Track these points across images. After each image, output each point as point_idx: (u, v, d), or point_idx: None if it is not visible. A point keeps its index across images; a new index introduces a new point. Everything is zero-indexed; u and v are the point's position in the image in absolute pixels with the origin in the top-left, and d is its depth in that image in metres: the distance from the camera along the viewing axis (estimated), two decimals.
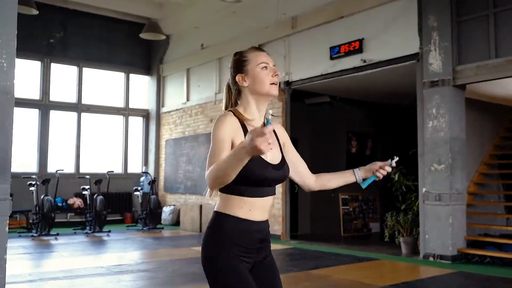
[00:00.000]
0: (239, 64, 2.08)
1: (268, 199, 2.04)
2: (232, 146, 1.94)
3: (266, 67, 2.05)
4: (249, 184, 1.95)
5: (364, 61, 7.91)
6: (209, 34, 11.29)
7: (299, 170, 2.23)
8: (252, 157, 1.73)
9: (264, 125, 1.57)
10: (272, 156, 2.04)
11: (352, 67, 8.14)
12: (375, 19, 7.87)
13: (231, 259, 1.94)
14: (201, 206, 10.70)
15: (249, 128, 2.00)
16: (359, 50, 7.98)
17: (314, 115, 10.80)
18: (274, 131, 2.14)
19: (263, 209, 2.02)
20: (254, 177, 1.94)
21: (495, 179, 8.20)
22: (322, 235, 10.04)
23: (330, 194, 10.71)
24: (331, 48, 8.42)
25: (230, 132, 1.93)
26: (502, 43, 6.36)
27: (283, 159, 2.10)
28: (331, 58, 8.42)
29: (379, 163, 2.27)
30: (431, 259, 6.81)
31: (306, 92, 9.83)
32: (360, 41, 7.98)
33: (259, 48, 2.11)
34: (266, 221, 2.07)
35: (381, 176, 2.26)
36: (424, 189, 6.99)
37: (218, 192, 2.01)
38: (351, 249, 8.27)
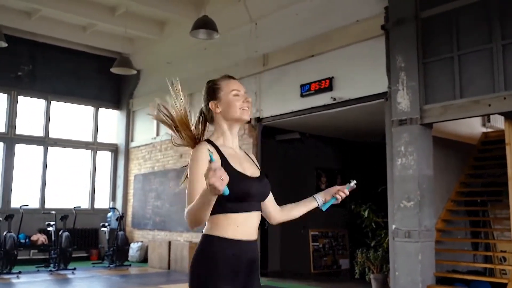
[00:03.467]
0: (212, 92, 2.19)
1: (255, 215, 2.07)
2: None
3: (237, 94, 2.16)
4: (233, 200, 1.98)
5: (334, 99, 8.05)
6: (180, 69, 11.32)
7: (268, 201, 2.27)
8: (234, 172, 1.93)
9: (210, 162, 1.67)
10: (251, 172, 2.12)
11: (322, 105, 8.26)
12: (345, 58, 8.05)
13: (218, 286, 1.93)
14: (169, 243, 10.52)
15: (225, 153, 2.07)
16: (329, 88, 8.13)
17: (284, 151, 10.87)
18: (249, 156, 2.25)
19: (250, 226, 2.04)
20: (237, 191, 1.96)
21: (462, 215, 8.34)
22: (292, 272, 9.97)
23: (300, 230, 10.70)
24: (302, 86, 8.55)
25: (206, 160, 1.95)
26: (467, 84, 6.57)
27: (262, 174, 2.18)
28: (302, 95, 8.55)
29: (337, 187, 2.40)
30: None
31: (277, 129, 9.91)
32: (330, 79, 8.14)
33: (231, 77, 2.24)
34: (255, 241, 2.09)
35: (340, 199, 2.39)
36: (393, 226, 7.05)
37: None
38: (322, 286, 8.23)
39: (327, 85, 8.16)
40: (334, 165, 11.78)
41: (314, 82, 8.36)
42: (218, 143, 2.11)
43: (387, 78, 7.33)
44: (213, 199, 1.76)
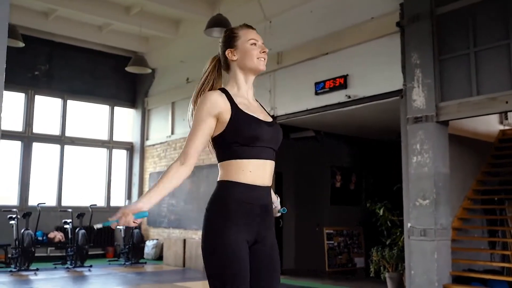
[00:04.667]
0: (229, 40, 2.19)
1: (267, 163, 2.07)
2: (219, 120, 2.01)
3: (255, 43, 2.17)
4: (244, 143, 1.99)
5: (349, 97, 8.01)
6: (194, 68, 11.36)
7: None
8: (244, 115, 2.00)
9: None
10: (263, 116, 2.15)
11: (336, 103, 8.23)
12: (359, 56, 8.01)
13: (231, 235, 1.93)
14: (184, 241, 10.57)
15: (237, 100, 2.08)
16: (344, 86, 8.09)
17: (299, 149, 10.84)
18: (261, 105, 2.28)
19: (264, 172, 2.05)
20: (247, 132, 1.99)
21: (478, 214, 8.25)
22: (307, 271, 9.95)
23: (315, 228, 10.67)
24: (316, 84, 8.52)
25: (213, 109, 2.00)
26: (483, 81, 6.50)
27: (274, 121, 2.21)
28: (316, 93, 8.52)
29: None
30: None
31: (291, 127, 9.89)
32: (345, 77, 8.10)
33: (250, 26, 2.25)
34: (269, 187, 2.10)
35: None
36: (409, 224, 7.00)
37: (218, 163, 2.07)
38: (337, 284, 8.20)
39: (341, 82, 8.12)
40: (349, 164, 11.72)
41: (329, 80, 8.32)
42: (232, 92, 2.11)
43: (402, 76, 7.28)
44: (151, 205, 2.05)
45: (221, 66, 2.23)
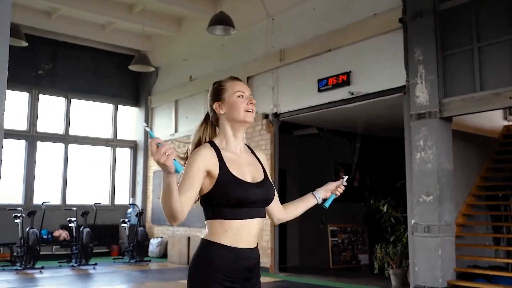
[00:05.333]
0: (217, 93, 2.15)
1: (254, 222, 2.01)
2: (208, 175, 1.96)
3: (242, 95, 2.12)
4: (229, 205, 1.95)
5: (352, 94, 8.00)
6: (197, 66, 11.38)
7: (273, 202, 2.21)
8: (231, 178, 1.92)
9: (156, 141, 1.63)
10: (252, 176, 2.06)
11: (339, 99, 8.22)
12: (362, 52, 7.99)
13: None
14: (189, 238, 10.59)
15: (225, 156, 2.03)
16: (347, 83, 8.08)
17: (302, 146, 10.85)
18: (255, 155, 2.19)
19: (249, 233, 1.99)
20: (232, 196, 1.94)
21: (482, 210, 8.23)
22: (311, 267, 9.96)
23: (319, 225, 10.68)
24: (319, 81, 8.51)
25: (203, 164, 1.95)
26: (487, 76, 6.48)
27: (265, 179, 2.11)
28: (319, 90, 8.51)
29: (334, 183, 2.42)
30: None
31: (295, 124, 9.89)
32: (348, 73, 8.09)
33: (236, 78, 2.20)
34: (255, 248, 2.04)
35: (339, 194, 2.42)
36: (413, 221, 6.99)
37: (205, 220, 2.02)
38: (341, 281, 8.20)
39: (344, 79, 8.11)
40: (352, 160, 11.70)
41: (332, 76, 8.32)
42: (220, 146, 2.07)
43: (405, 72, 7.26)
44: (171, 181, 1.71)
45: (212, 120, 2.19)
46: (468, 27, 6.69)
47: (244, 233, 1.98)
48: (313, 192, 2.37)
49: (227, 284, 1.93)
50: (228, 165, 2.00)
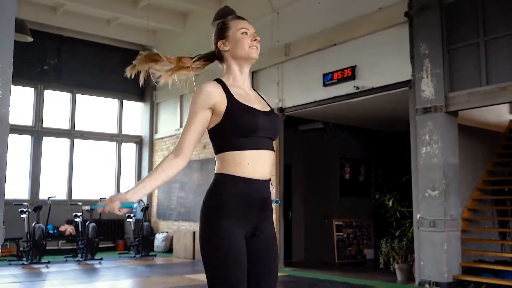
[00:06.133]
0: (221, 31, 2.21)
1: (266, 153, 2.02)
2: (215, 111, 2.00)
3: (246, 32, 2.16)
4: (241, 134, 1.97)
5: (357, 88, 7.97)
6: None
7: None
8: (240, 106, 1.98)
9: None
10: (260, 107, 2.09)
11: (345, 94, 8.20)
12: (367, 47, 7.96)
13: (226, 228, 1.92)
14: (194, 233, 10.61)
15: (233, 91, 2.06)
16: (352, 77, 8.05)
17: (307, 141, 10.83)
18: (262, 97, 2.23)
19: (262, 164, 2.00)
20: (243, 123, 1.96)
21: (489, 205, 8.21)
22: (316, 262, 9.96)
23: (324, 220, 10.68)
24: (324, 75, 8.49)
25: (208, 101, 2.00)
26: (493, 70, 6.44)
27: (272, 110, 2.16)
28: (324, 84, 8.48)
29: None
30: (426, 286, 6.76)
31: (300, 119, 9.87)
32: (353, 68, 8.06)
33: (240, 17, 2.23)
34: (267, 181, 2.05)
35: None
36: (418, 216, 6.98)
37: (214, 155, 2.05)
38: (346, 276, 8.20)
39: (349, 74, 8.09)
40: (358, 155, 11.69)
41: (337, 71, 8.29)
42: (227, 83, 2.11)
43: (411, 66, 7.23)
44: (140, 197, 2.04)
45: (212, 58, 2.25)
46: (474, 20, 6.65)
47: (259, 163, 1.99)
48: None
49: (241, 213, 1.95)
50: (236, 97, 2.04)
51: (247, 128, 1.97)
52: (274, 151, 2.11)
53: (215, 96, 2.00)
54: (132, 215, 11.44)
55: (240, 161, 1.96)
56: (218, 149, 2.02)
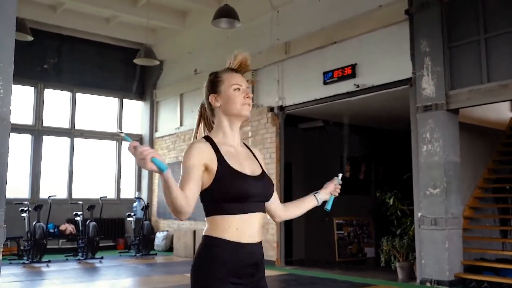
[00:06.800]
0: (213, 85, 2.10)
1: (256, 217, 1.97)
2: (206, 170, 1.92)
3: (238, 88, 2.06)
4: (230, 200, 1.91)
5: (357, 86, 7.96)
6: (202, 59, 11.35)
7: (272, 199, 2.16)
8: (230, 171, 1.90)
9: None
10: (251, 170, 2.02)
11: (345, 92, 8.18)
12: (368, 45, 7.94)
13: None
14: (194, 232, 10.60)
15: (222, 150, 1.99)
16: (352, 75, 8.04)
17: (307, 139, 10.82)
18: (251, 151, 2.15)
19: (252, 228, 1.95)
20: (233, 190, 1.91)
21: (490, 203, 8.20)
22: (317, 261, 9.95)
23: (324, 218, 10.66)
24: (324, 73, 8.47)
25: (200, 158, 1.91)
26: (494, 68, 6.43)
27: (264, 173, 2.08)
28: (324, 83, 8.47)
29: (331, 183, 2.39)
30: (428, 284, 6.76)
31: (300, 117, 9.86)
32: (353, 66, 8.04)
33: (234, 70, 2.13)
34: (259, 243, 2.00)
35: (337, 194, 2.38)
36: (419, 214, 6.97)
37: (205, 217, 1.99)
38: (347, 274, 8.20)
39: (350, 72, 8.07)
40: (358, 153, 11.68)
41: (337, 69, 8.27)
42: (216, 140, 2.03)
43: (412, 64, 7.22)
44: (165, 179, 1.72)
45: (207, 113, 2.15)
46: (475, 18, 6.64)
47: (247, 228, 1.94)
48: (314, 194, 2.34)
49: (232, 280, 1.90)
50: (226, 158, 1.96)
51: (236, 195, 1.91)
52: (265, 213, 2.06)
53: (206, 154, 1.94)
54: (132, 213, 11.43)
55: (229, 226, 1.91)
56: (208, 212, 1.97)
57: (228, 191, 1.90)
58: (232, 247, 1.91)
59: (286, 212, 2.28)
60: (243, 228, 1.93)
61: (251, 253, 1.95)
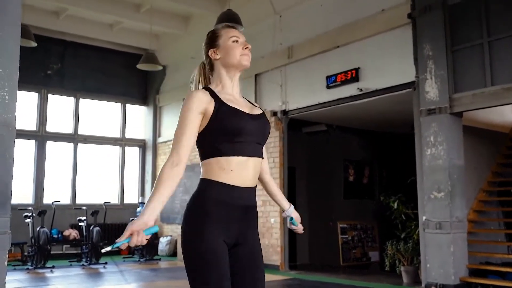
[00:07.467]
0: (212, 40, 2.17)
1: (252, 160, 2.00)
2: (204, 116, 1.97)
3: (237, 40, 2.13)
4: (227, 138, 1.95)
5: (361, 90, 7.96)
6: None
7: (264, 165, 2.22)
8: (227, 108, 1.96)
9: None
10: (250, 109, 2.08)
11: (348, 96, 8.18)
12: (371, 48, 7.95)
13: (208, 235, 1.91)
14: None
15: (221, 96, 2.04)
16: (355, 79, 8.04)
17: (311, 143, 10.81)
18: (251, 102, 2.21)
19: (247, 172, 1.98)
20: (229, 125, 1.94)
21: (494, 206, 8.17)
22: (321, 265, 9.93)
23: (329, 223, 10.65)
24: (328, 77, 8.47)
25: (198, 106, 1.96)
26: (498, 71, 6.41)
27: (263, 114, 2.14)
28: (328, 87, 8.47)
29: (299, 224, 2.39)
30: None
31: (303, 121, 9.86)
32: (356, 70, 8.04)
33: (231, 25, 2.23)
34: (253, 188, 2.03)
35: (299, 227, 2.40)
36: (424, 217, 6.95)
37: (200, 162, 2.04)
38: (351, 279, 8.17)
39: (353, 76, 8.07)
40: (361, 157, 11.67)
41: (340, 73, 8.27)
42: (216, 89, 2.08)
43: (415, 67, 7.21)
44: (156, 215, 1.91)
45: (207, 69, 2.20)
46: (478, 21, 6.63)
47: (242, 170, 1.97)
48: (291, 205, 2.37)
49: (222, 226, 1.93)
50: (224, 101, 2.02)
51: (233, 131, 1.95)
52: (262, 158, 2.08)
53: (205, 101, 1.98)
54: (136, 218, 11.41)
55: (224, 168, 1.95)
56: (204, 155, 2.01)
57: (224, 127, 1.94)
58: (226, 189, 1.94)
59: (266, 184, 2.30)
60: (238, 170, 1.96)
61: (244, 196, 1.99)
